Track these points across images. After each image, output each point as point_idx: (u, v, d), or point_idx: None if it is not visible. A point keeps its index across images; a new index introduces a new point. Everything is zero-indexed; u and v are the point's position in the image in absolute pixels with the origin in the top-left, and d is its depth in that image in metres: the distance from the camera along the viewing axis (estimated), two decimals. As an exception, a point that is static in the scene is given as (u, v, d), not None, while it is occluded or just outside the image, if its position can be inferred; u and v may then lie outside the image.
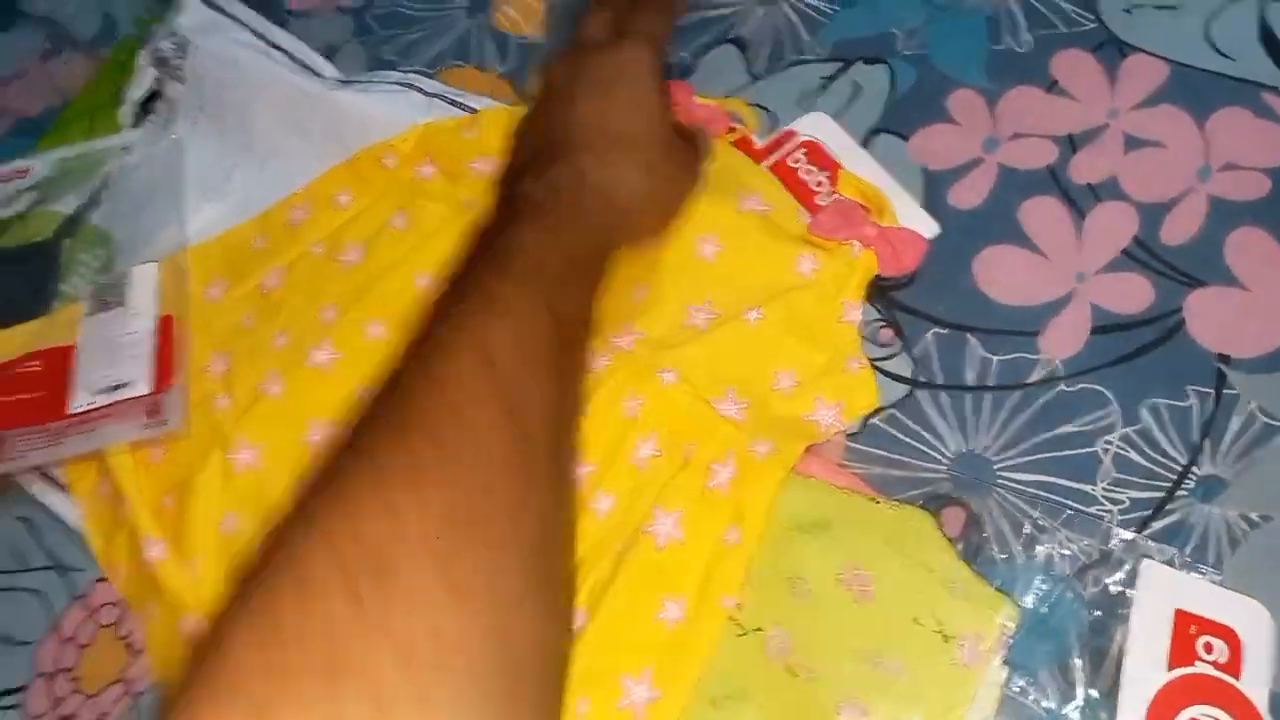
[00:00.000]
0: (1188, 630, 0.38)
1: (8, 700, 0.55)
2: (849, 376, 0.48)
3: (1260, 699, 0.37)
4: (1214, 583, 0.40)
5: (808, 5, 0.60)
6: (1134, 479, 0.43)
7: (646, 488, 0.46)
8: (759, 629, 0.43)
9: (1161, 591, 0.39)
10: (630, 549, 0.45)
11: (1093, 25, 0.54)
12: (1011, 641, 0.40)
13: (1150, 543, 0.41)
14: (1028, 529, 0.43)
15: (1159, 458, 0.43)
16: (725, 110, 0.57)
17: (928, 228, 0.51)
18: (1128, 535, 0.41)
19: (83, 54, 0.78)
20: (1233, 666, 0.37)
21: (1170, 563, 0.40)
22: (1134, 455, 0.44)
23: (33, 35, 0.81)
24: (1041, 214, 0.50)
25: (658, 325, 0.51)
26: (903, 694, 0.40)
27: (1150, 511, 0.42)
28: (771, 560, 0.43)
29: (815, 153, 0.54)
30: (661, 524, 0.45)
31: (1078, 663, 0.40)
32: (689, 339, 0.50)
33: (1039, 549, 0.43)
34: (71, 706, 0.54)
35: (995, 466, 0.45)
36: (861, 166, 0.53)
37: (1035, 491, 0.44)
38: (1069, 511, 0.43)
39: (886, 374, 0.48)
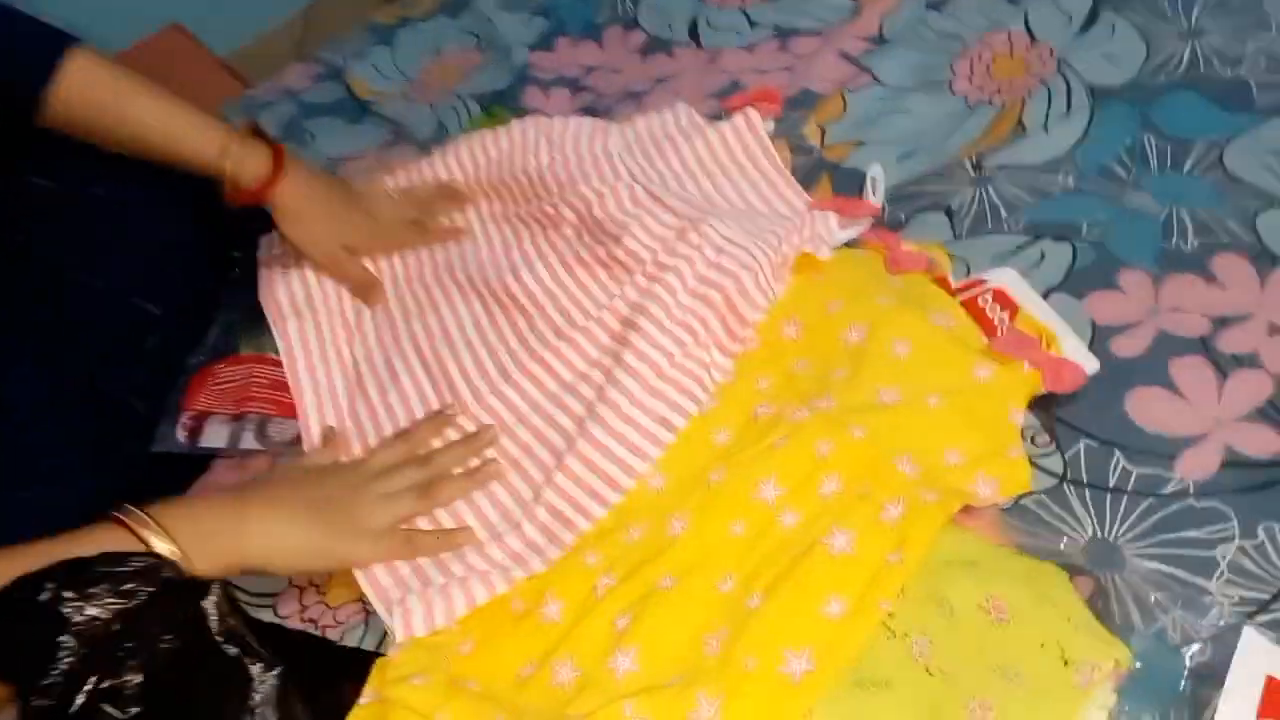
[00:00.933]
0: (1277, 694, 0.45)
1: (266, 601, 0.68)
2: (1008, 461, 0.58)
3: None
4: (1309, 670, 0.47)
5: (1011, 192, 0.74)
6: (1245, 581, 0.51)
7: (827, 512, 0.57)
8: (906, 634, 0.52)
9: (1257, 657, 0.46)
10: (807, 554, 0.55)
11: (1250, 239, 0.66)
12: (1122, 679, 0.48)
13: (1251, 627, 0.49)
14: (1147, 604, 0.51)
15: (1269, 567, 0.51)
16: (926, 253, 0.71)
17: (1090, 364, 0.62)
18: (1233, 620, 0.49)
19: (415, 148, 1.00)
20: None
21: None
22: (1247, 562, 0.52)
23: (377, 130, 1.05)
24: (1190, 370, 0.60)
25: (852, 397, 0.63)
26: (1024, 701, 0.48)
27: (1256, 608, 0.50)
28: (925, 582, 0.53)
29: (1000, 297, 0.67)
30: (837, 539, 0.55)
31: (1172, 713, 0.47)
32: (878, 410, 0.61)
33: (1154, 623, 0.50)
34: (315, 613, 0.67)
35: (1124, 552, 0.54)
36: (1038, 312, 0.65)
37: (1157, 578, 0.52)
38: (1184, 597, 0.51)
39: (1040, 468, 0.58)
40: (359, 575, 0.63)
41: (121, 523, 0.56)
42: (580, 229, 0.79)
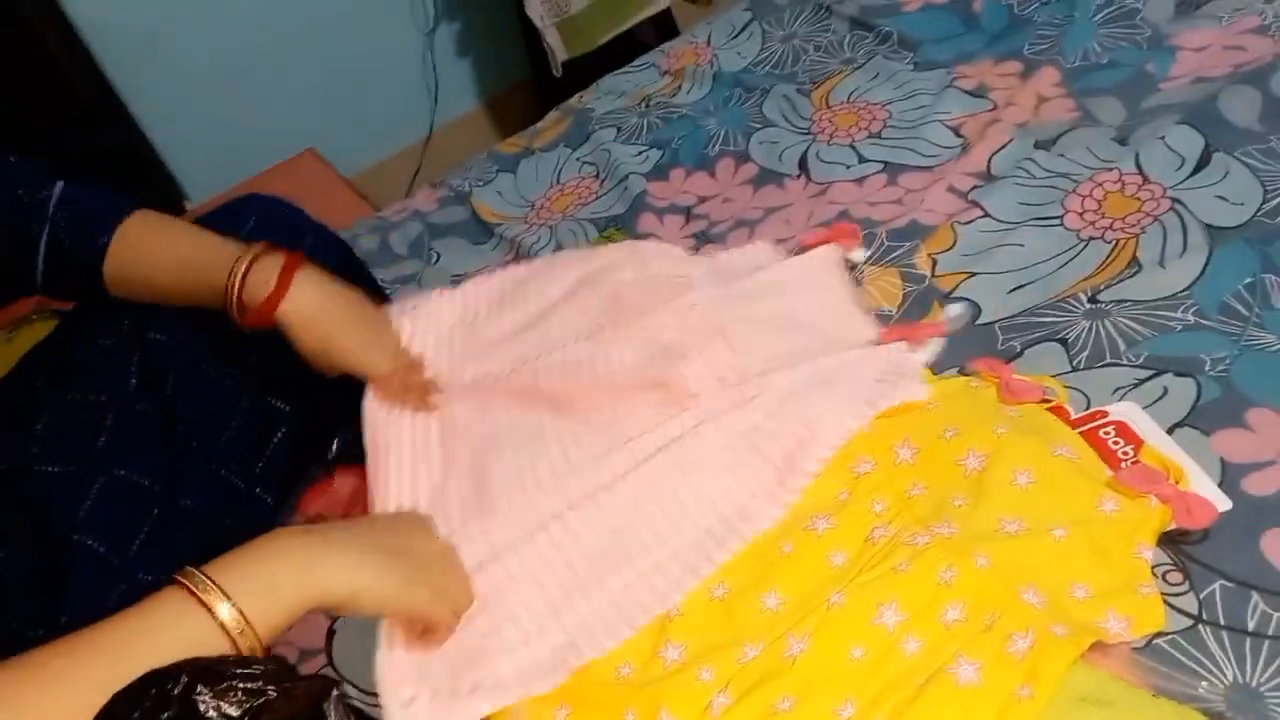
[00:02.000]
0: None
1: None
2: (1140, 599, 0.56)
3: None
4: None
5: (1129, 326, 0.74)
6: None
7: (951, 641, 0.56)
8: (1037, 773, 0.50)
9: None
10: (932, 682, 0.54)
11: (1387, 381, 0.64)
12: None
13: None
14: (1299, 758, 0.49)
15: None
16: (1040, 384, 0.71)
17: (1222, 503, 0.60)
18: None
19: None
20: None
21: None
22: None
23: (499, 250, 1.11)
24: (1329, 513, 0.58)
25: (974, 525, 0.62)
26: None
27: None
28: (1057, 719, 0.51)
29: (1124, 431, 0.67)
30: (963, 669, 0.54)
31: None
32: (1001, 539, 0.61)
33: (1309, 779, 0.48)
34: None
35: (1268, 701, 0.51)
36: (1164, 447, 0.64)
37: (1308, 730, 0.50)
38: (1341, 752, 0.48)
39: (1173, 607, 0.57)
40: (381, 656, 0.63)
41: (183, 586, 0.56)
42: (639, 348, 0.82)
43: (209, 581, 0.56)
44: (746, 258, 0.91)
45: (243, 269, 0.72)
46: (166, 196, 1.95)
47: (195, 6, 1.76)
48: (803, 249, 0.90)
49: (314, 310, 0.74)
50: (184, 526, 0.79)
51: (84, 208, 0.76)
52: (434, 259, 1.11)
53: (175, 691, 0.51)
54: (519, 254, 1.07)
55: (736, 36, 1.28)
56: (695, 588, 0.65)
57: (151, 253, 0.76)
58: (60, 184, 0.77)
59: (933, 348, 0.78)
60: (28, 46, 1.70)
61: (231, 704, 0.52)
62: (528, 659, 0.64)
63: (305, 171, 1.66)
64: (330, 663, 0.70)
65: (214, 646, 0.55)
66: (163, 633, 0.55)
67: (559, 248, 1.05)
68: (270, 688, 0.54)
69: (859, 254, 0.89)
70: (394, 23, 2.03)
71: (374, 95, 2.06)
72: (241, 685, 0.53)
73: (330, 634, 0.72)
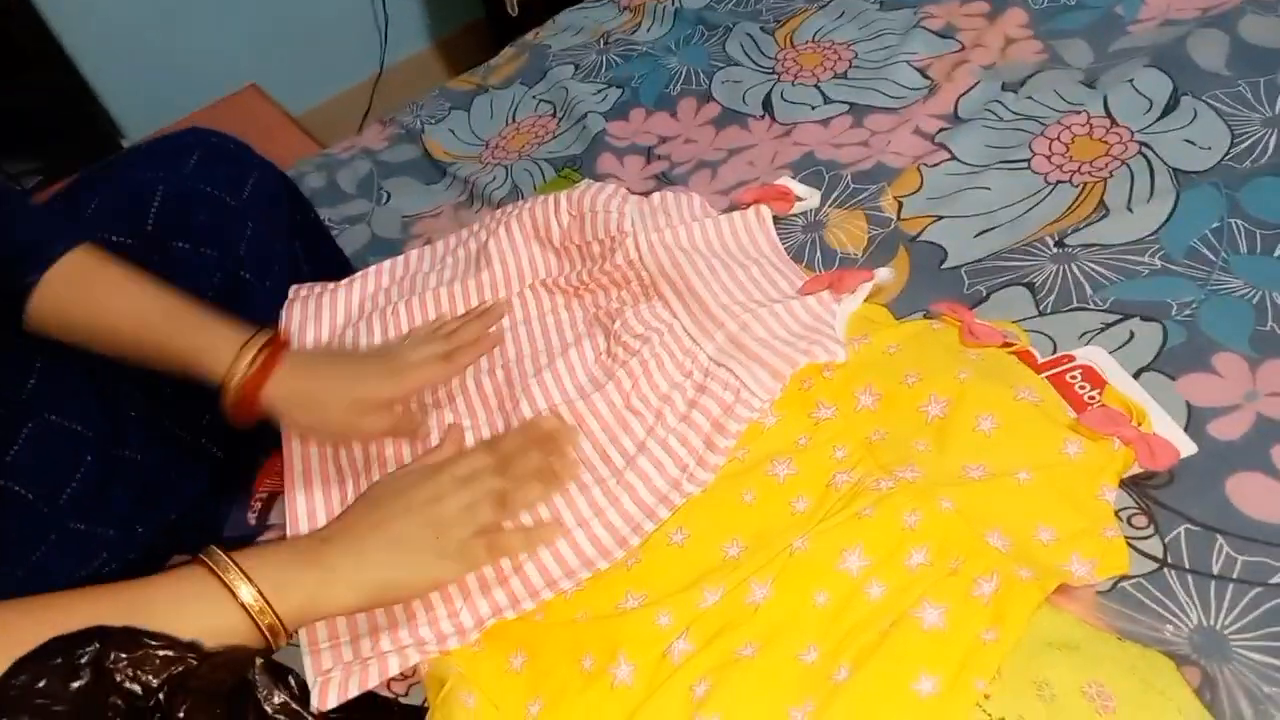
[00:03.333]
0: None
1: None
2: (1104, 541, 0.56)
3: None
4: None
5: (1096, 270, 0.73)
6: (1368, 680, 0.48)
7: (915, 585, 0.55)
8: (1004, 718, 0.49)
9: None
10: (896, 626, 0.53)
11: (1350, 326, 0.64)
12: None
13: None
14: (1259, 698, 0.48)
15: (1394, 665, 0.48)
16: (1000, 329, 0.70)
17: (1186, 446, 0.60)
18: (1360, 720, 0.46)
19: (488, 205, 1.01)
20: None
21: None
22: (1369, 659, 0.49)
23: (452, 190, 1.07)
24: (1293, 456, 0.58)
25: (937, 471, 0.61)
26: (1133, 795, 0.45)
27: (1383, 709, 0.47)
28: (1023, 664, 0.51)
29: (1090, 374, 0.66)
30: (928, 613, 0.53)
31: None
32: (966, 483, 0.60)
33: (1269, 719, 0.48)
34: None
35: (1232, 644, 0.51)
36: (1130, 390, 0.64)
37: (1269, 672, 0.49)
38: (1302, 693, 0.48)
39: (1139, 550, 0.56)
40: (302, 635, 0.62)
41: (206, 566, 0.56)
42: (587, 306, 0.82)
43: (231, 563, 0.56)
44: (680, 206, 0.88)
45: (246, 359, 0.67)
46: (102, 136, 1.87)
47: None
48: (735, 207, 0.88)
49: (303, 377, 0.69)
50: (123, 476, 0.75)
51: (16, 235, 0.68)
52: (384, 199, 1.07)
53: (84, 660, 0.48)
54: (473, 194, 1.04)
55: (698, -28, 1.24)
56: (653, 534, 0.64)
57: (92, 310, 0.68)
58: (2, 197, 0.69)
59: (859, 296, 0.75)
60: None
61: (149, 672, 0.49)
62: (457, 622, 0.62)
63: (247, 108, 1.59)
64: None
65: (234, 626, 0.55)
66: (181, 608, 0.54)
67: (514, 188, 1.02)
68: (190, 655, 0.51)
69: (812, 199, 0.87)
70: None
71: (321, 31, 1.99)
72: (159, 653, 0.50)
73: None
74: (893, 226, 0.82)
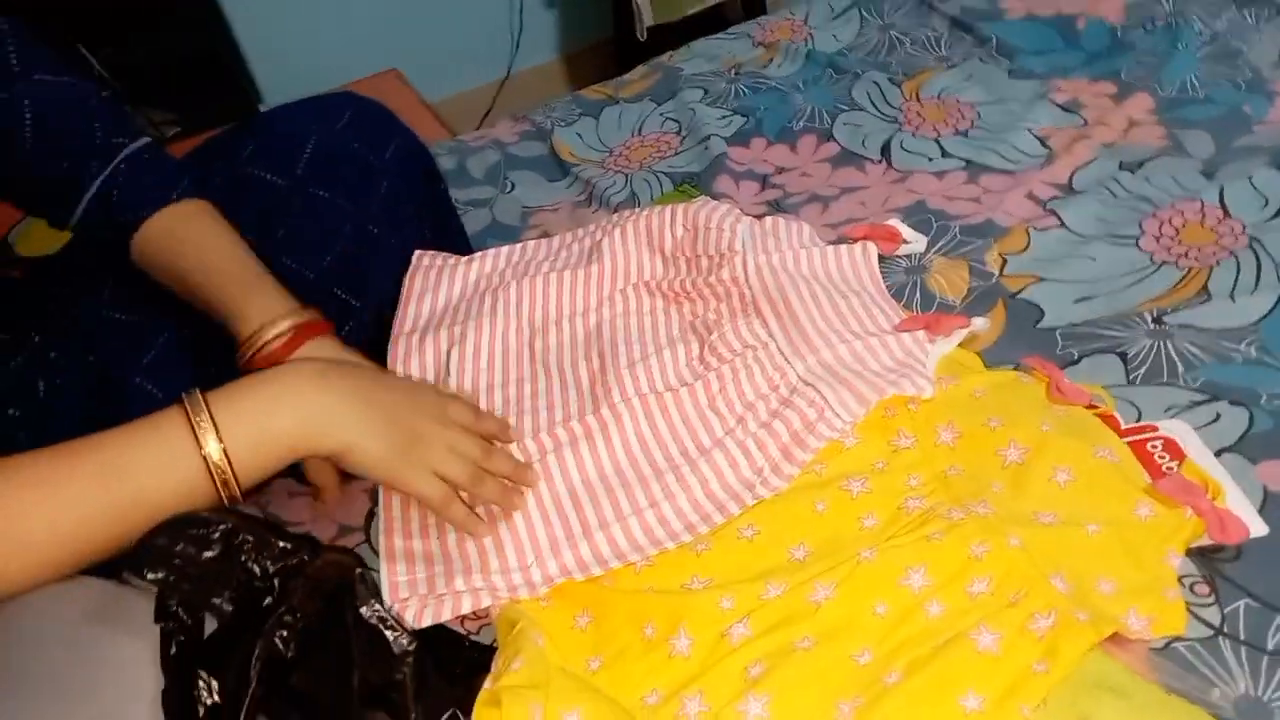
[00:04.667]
0: None
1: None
2: (1164, 602, 0.57)
3: None
4: None
5: (1190, 350, 0.75)
6: None
7: (974, 610, 0.58)
8: (1043, 744, 0.51)
9: None
10: (951, 644, 0.56)
11: None
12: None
13: None
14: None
15: None
16: (1088, 391, 0.72)
17: (1257, 527, 0.61)
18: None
19: (605, 208, 1.06)
20: None
21: None
22: None
23: (572, 189, 1.12)
24: (1365, 553, 0.59)
25: (1009, 511, 0.63)
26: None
27: None
28: (1070, 698, 0.53)
29: (1171, 447, 0.67)
30: (983, 637, 0.56)
31: None
32: (1035, 526, 0.62)
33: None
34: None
35: (1275, 713, 0.52)
36: (1208, 465, 0.65)
37: (1313, 749, 0.51)
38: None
39: (1196, 616, 0.58)
40: (382, 565, 0.66)
41: (184, 414, 0.56)
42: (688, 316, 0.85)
43: (207, 414, 0.56)
44: (791, 232, 0.92)
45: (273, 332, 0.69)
46: (241, 98, 1.99)
47: None
48: (842, 240, 0.91)
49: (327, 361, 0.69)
50: None
51: (147, 172, 0.74)
52: (508, 188, 1.13)
53: (216, 535, 0.53)
54: (592, 196, 1.09)
55: (835, 19, 1.29)
56: (724, 526, 0.67)
57: (174, 257, 0.73)
58: (143, 140, 0.75)
59: (953, 340, 0.78)
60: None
61: (267, 558, 0.54)
62: (527, 576, 0.66)
63: (385, 90, 1.68)
64: (368, 541, 0.72)
65: (194, 478, 0.55)
66: (151, 455, 0.55)
67: (633, 195, 1.07)
68: (305, 552, 0.56)
69: (919, 244, 0.90)
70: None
71: (458, 28, 2.09)
72: (280, 543, 0.55)
73: (369, 515, 0.74)
74: (994, 280, 0.85)
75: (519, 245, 0.95)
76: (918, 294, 0.85)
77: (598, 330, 0.86)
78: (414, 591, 0.64)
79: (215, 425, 0.55)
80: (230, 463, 0.56)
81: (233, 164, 0.81)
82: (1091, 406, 0.71)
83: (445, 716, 0.54)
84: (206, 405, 0.57)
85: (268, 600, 0.50)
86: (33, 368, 0.75)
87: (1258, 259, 0.81)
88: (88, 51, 2.07)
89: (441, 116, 1.71)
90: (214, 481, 0.55)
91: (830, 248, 0.89)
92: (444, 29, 2.07)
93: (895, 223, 0.92)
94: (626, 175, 1.10)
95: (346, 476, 0.72)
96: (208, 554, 0.49)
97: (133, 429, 0.56)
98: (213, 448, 0.55)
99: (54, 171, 0.74)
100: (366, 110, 0.89)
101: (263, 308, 0.71)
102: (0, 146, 0.72)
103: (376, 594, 0.56)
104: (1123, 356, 0.76)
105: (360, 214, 0.85)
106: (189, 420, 0.56)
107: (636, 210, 0.94)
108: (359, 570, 0.56)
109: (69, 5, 1.97)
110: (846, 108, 1.12)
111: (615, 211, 1.02)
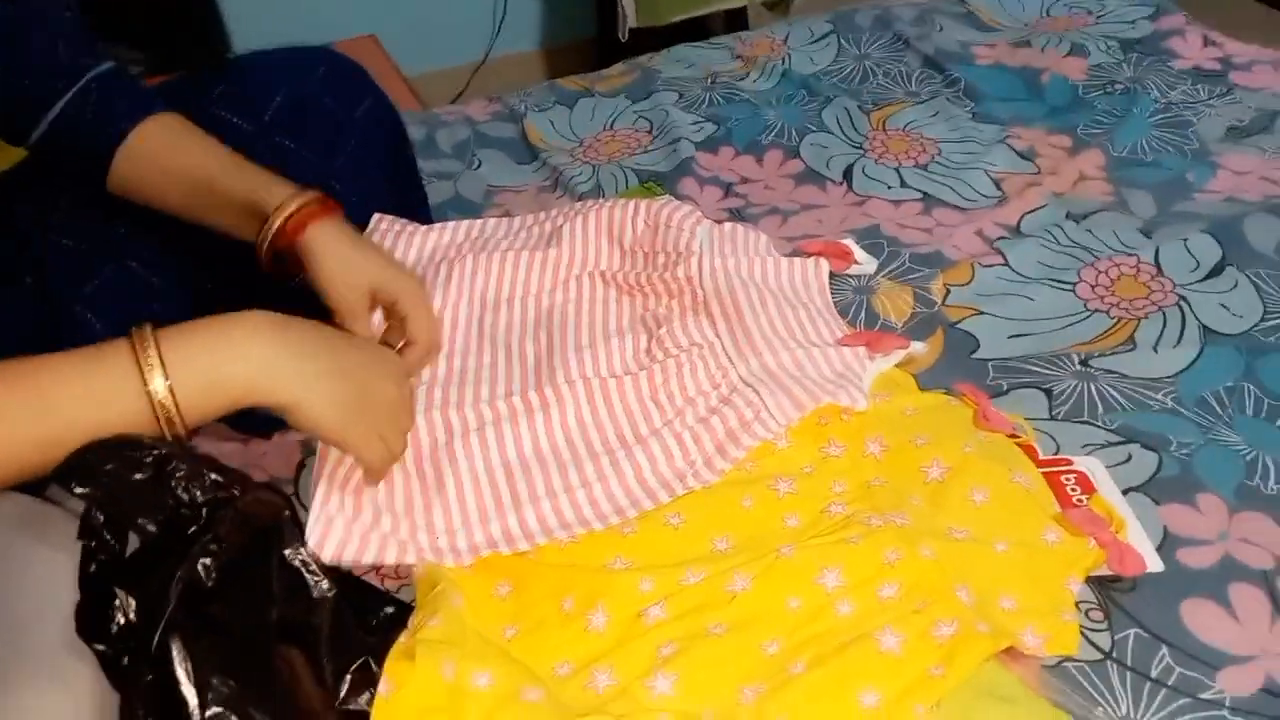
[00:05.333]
0: None
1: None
2: (1060, 623, 0.60)
3: None
4: None
5: (1111, 391, 0.78)
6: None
7: (881, 613, 0.60)
8: (933, 745, 0.53)
9: None
10: (855, 642, 0.58)
11: (1329, 501, 0.69)
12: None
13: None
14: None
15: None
16: (1012, 420, 0.75)
17: (1154, 562, 0.65)
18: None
19: (570, 196, 1.07)
20: None
21: None
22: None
23: (539, 173, 1.13)
24: (1249, 598, 0.63)
25: (925, 524, 0.66)
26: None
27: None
28: (961, 703, 0.55)
29: (1083, 480, 0.71)
30: (887, 638, 0.58)
31: None
32: (947, 540, 0.64)
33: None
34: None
35: (1154, 739, 0.56)
36: (1115, 502, 0.69)
37: (1180, 771, 0.54)
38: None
39: (1089, 640, 0.61)
40: (315, 472, 0.67)
41: (130, 348, 0.54)
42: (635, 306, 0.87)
43: (155, 352, 0.54)
44: (748, 240, 0.94)
45: (278, 190, 0.72)
46: (212, 48, 1.96)
47: None
48: (797, 254, 0.93)
49: (340, 231, 0.73)
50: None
51: (116, 93, 0.74)
52: (475, 164, 1.13)
53: (148, 460, 0.52)
54: (558, 182, 1.10)
55: (814, 43, 1.32)
56: (651, 512, 0.68)
57: (173, 159, 0.74)
58: (108, 63, 0.75)
59: (891, 359, 0.80)
60: None
61: (198, 489, 0.53)
62: (453, 542, 0.67)
63: (362, 54, 1.66)
64: (297, 494, 0.72)
65: (136, 413, 0.54)
66: (91, 387, 0.54)
67: (598, 186, 1.08)
68: (236, 487, 0.56)
69: (869, 265, 0.93)
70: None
71: (441, 3, 2.09)
72: (211, 475, 0.54)
73: (300, 466, 0.74)
74: (936, 309, 0.88)
75: (479, 221, 0.96)
76: (863, 313, 0.88)
77: (549, 313, 0.87)
78: (336, 529, 0.64)
79: (163, 363, 0.54)
80: (176, 402, 0.54)
81: (200, 103, 0.81)
82: (1013, 436, 0.74)
83: (358, 663, 0.54)
84: (156, 342, 0.55)
85: (193, 529, 0.50)
86: None
87: (1183, 316, 0.85)
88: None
89: (415, 89, 1.71)
90: (157, 419, 0.53)
91: (785, 259, 0.92)
92: (425, 6, 2.07)
93: (849, 243, 0.95)
94: (594, 166, 1.11)
95: (279, 424, 0.72)
96: (138, 475, 0.49)
97: (73, 358, 0.55)
98: (158, 384, 0.53)
99: (14, 90, 0.73)
100: (341, 66, 0.89)
101: (279, 190, 0.72)
102: None
103: (302, 539, 0.56)
104: (1048, 392, 0.79)
105: (324, 168, 0.85)
106: (135, 355, 0.54)
107: (600, 201, 0.96)
108: (288, 512, 0.56)
109: None
110: (815, 129, 1.15)
111: (579, 200, 1.03)
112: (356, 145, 0.86)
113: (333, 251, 0.72)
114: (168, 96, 0.78)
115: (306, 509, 0.67)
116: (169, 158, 0.74)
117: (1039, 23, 1.33)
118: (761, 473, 0.71)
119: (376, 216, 0.91)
